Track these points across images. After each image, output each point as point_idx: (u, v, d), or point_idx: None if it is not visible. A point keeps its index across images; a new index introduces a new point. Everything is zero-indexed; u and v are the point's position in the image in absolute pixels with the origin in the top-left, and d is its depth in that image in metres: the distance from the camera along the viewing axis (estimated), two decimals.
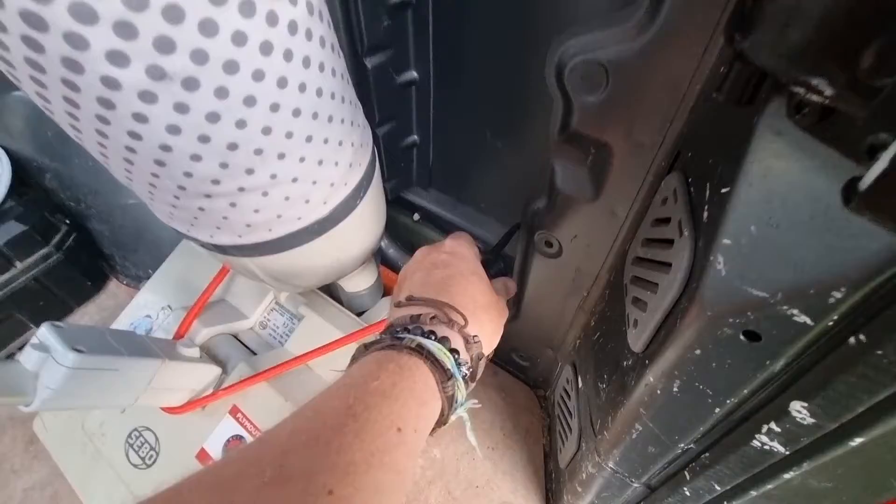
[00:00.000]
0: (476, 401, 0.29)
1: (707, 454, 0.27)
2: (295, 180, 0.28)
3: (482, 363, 0.30)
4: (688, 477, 0.29)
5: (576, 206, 0.38)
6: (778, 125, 0.17)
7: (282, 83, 0.24)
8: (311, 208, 0.30)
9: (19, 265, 0.62)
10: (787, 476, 0.24)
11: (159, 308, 0.55)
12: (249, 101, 0.23)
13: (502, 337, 0.36)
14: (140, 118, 0.22)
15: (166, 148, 0.23)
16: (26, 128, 0.66)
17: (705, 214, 0.21)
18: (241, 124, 0.24)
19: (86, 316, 0.72)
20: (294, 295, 0.52)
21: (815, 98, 0.14)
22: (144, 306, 0.56)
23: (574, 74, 0.31)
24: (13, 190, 0.63)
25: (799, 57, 0.14)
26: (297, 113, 0.26)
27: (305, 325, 0.49)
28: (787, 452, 0.23)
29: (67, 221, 0.68)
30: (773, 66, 0.15)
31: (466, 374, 0.27)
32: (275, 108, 0.24)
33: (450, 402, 0.26)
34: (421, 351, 0.26)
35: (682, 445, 0.28)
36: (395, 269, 0.65)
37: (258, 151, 0.25)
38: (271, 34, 0.22)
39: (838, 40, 0.13)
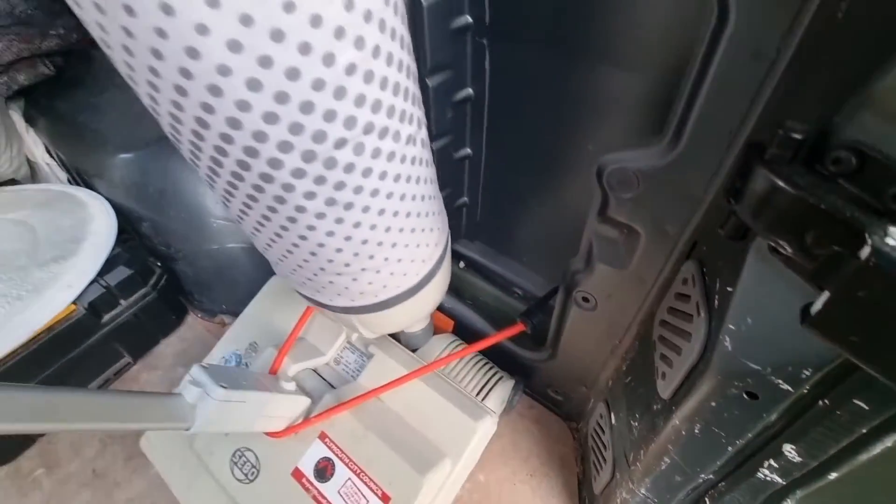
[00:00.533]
0: None
1: (723, 483, 0.35)
2: (400, 261, 0.37)
3: None
4: (708, 502, 0.36)
5: (609, 272, 0.46)
6: (762, 255, 0.25)
7: (404, 194, 0.33)
8: (408, 279, 0.39)
9: (123, 303, 0.72)
10: (786, 502, 0.31)
11: (247, 344, 0.65)
12: (382, 212, 0.33)
13: (538, 373, 0.43)
14: (310, 227, 0.31)
15: (321, 245, 0.33)
16: (130, 183, 0.78)
17: (716, 302, 0.29)
18: (374, 227, 0.33)
19: (169, 346, 0.82)
20: (363, 336, 0.61)
21: (780, 250, 0.22)
22: (234, 342, 0.65)
23: (612, 177, 0.39)
24: (119, 238, 0.74)
25: (768, 226, 0.22)
26: (410, 214, 0.35)
27: (375, 362, 0.57)
28: (784, 483, 0.30)
29: (159, 264, 0.79)
30: (752, 225, 0.23)
31: None
32: (397, 213, 0.34)
33: None
34: None
35: (703, 476, 0.35)
36: (442, 310, 0.73)
37: (380, 244, 0.35)
38: (399, 148, 0.31)
39: (791, 225, 0.21)
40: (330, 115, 0.25)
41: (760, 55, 0.28)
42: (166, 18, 0.20)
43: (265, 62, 0.22)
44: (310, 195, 0.28)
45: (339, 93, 0.24)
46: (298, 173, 0.27)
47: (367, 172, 0.29)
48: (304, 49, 0.22)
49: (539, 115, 0.50)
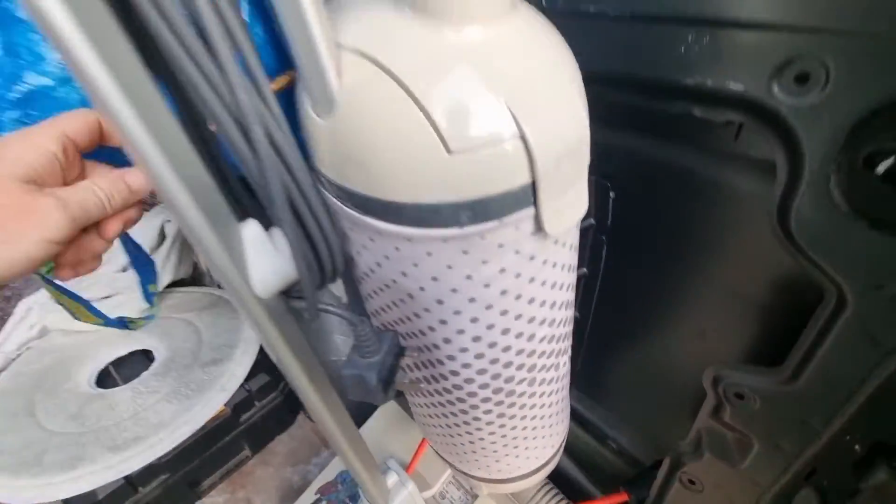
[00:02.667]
0: None
1: None
2: (536, 448, 0.44)
3: None
4: None
5: (719, 464, 0.49)
6: None
7: (553, 402, 0.40)
8: (538, 461, 0.46)
9: (257, 405, 0.84)
10: None
11: None
12: (535, 418, 0.40)
13: None
14: (477, 428, 0.39)
15: (482, 439, 0.40)
16: None
17: None
18: (524, 428, 0.40)
19: (281, 443, 0.92)
20: None
21: None
22: None
23: (729, 390, 0.44)
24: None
25: None
26: (553, 415, 0.42)
27: (480, 502, 0.62)
28: None
29: None
30: None
31: None
32: (544, 417, 0.41)
33: None
34: None
35: None
36: None
37: (525, 438, 0.42)
38: (559, 361, 0.38)
39: None
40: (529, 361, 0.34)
41: (871, 337, 0.34)
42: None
43: None
44: (487, 411, 0.37)
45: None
46: (485, 401, 0.35)
47: (533, 395, 0.37)
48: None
49: (650, 299, 0.57)
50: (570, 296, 0.36)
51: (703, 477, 0.52)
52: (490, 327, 0.30)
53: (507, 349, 0.32)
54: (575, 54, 0.29)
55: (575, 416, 0.78)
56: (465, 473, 0.48)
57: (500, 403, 0.36)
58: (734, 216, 0.40)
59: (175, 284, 1.05)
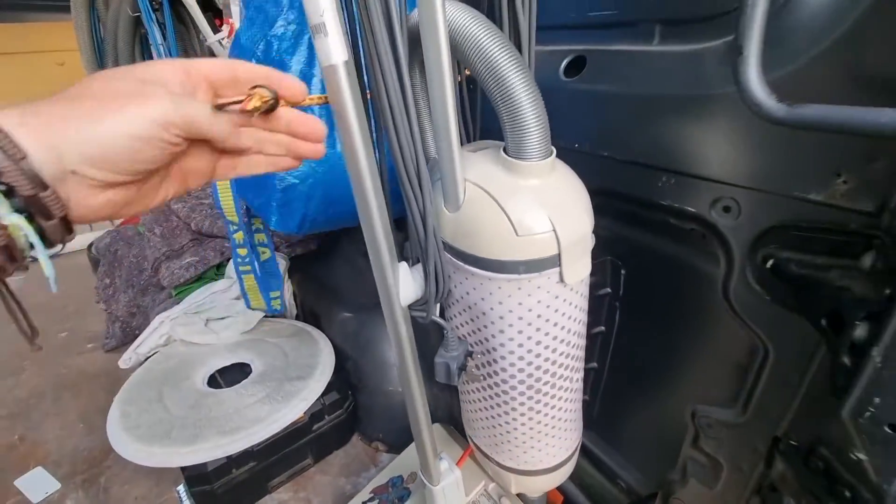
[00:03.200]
0: (48, 253, 0.24)
1: None
2: (555, 447, 0.60)
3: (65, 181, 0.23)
4: None
5: (700, 487, 0.63)
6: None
7: (572, 398, 0.58)
8: (557, 458, 0.62)
9: (327, 418, 1.03)
10: None
11: (408, 473, 0.88)
12: (557, 411, 0.57)
13: None
14: (515, 419, 0.57)
15: (515, 429, 0.58)
16: (348, 333, 1.15)
17: None
18: (549, 423, 0.58)
19: (337, 458, 1.08)
20: (497, 488, 0.80)
21: None
22: (400, 469, 0.89)
23: (702, 421, 0.60)
24: (334, 368, 1.08)
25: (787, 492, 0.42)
26: (571, 411, 0.59)
27: None
28: None
29: (350, 392, 1.10)
30: (779, 487, 0.43)
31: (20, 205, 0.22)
32: (565, 409, 0.58)
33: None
34: None
35: None
36: None
37: (547, 435, 0.59)
38: (575, 375, 0.56)
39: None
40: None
41: (789, 380, 0.50)
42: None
43: None
44: (521, 403, 0.55)
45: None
46: (521, 395, 0.54)
47: (556, 395, 0.55)
48: None
49: (651, 353, 0.74)
50: (581, 329, 0.55)
51: (688, 500, 0.65)
52: (529, 338, 0.50)
53: (537, 356, 0.52)
54: (596, 177, 0.51)
55: (591, 457, 0.91)
56: (500, 465, 0.64)
57: (530, 398, 0.54)
58: (703, 292, 0.59)
59: (268, 317, 1.30)
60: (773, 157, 0.46)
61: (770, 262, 0.47)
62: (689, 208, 0.54)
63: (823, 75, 0.40)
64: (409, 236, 0.50)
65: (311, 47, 0.68)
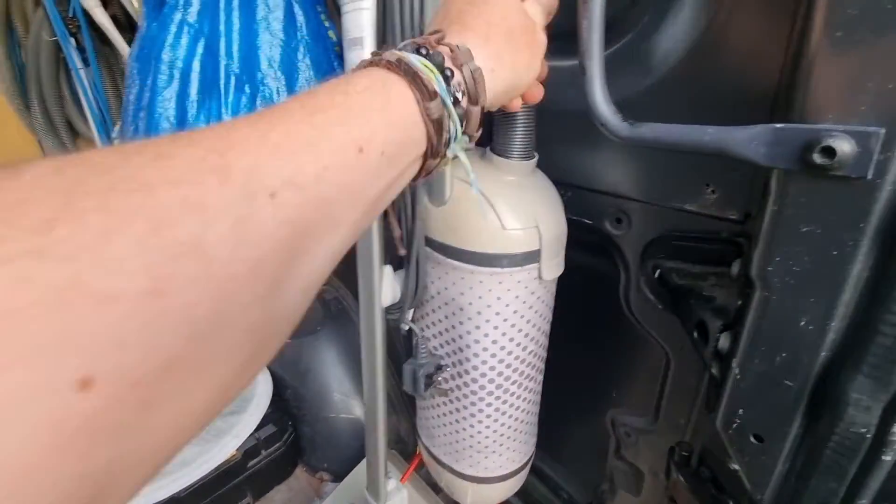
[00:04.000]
0: (469, 139, 0.28)
1: None
2: (516, 450, 0.59)
3: (499, 97, 0.29)
4: None
5: (627, 496, 0.63)
6: None
7: (529, 409, 0.57)
8: (515, 464, 0.60)
9: (263, 453, 0.98)
10: None
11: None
12: (516, 417, 0.56)
13: None
14: (479, 421, 0.55)
15: (479, 432, 0.56)
16: (288, 361, 1.11)
17: None
18: (510, 426, 0.56)
19: (279, 493, 1.03)
20: None
21: None
22: (337, 501, 0.85)
23: (620, 429, 0.60)
24: (271, 399, 1.03)
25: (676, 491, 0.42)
26: (528, 416, 0.58)
27: None
28: None
29: (290, 423, 1.06)
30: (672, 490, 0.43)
31: (459, 98, 0.25)
32: (524, 417, 0.57)
33: (438, 131, 0.24)
34: (399, 66, 0.23)
35: None
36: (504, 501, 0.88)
37: (509, 438, 0.57)
38: (532, 384, 0.55)
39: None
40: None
41: (690, 386, 0.51)
42: None
43: None
44: (489, 404, 0.53)
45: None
46: (489, 394, 0.52)
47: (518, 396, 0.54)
48: None
49: (576, 362, 0.73)
50: (547, 328, 0.56)
51: None
52: (503, 334, 0.50)
53: (509, 353, 0.51)
54: None
55: (537, 472, 0.90)
56: (457, 474, 0.62)
57: (497, 398, 0.53)
58: (615, 302, 0.59)
59: None
60: (654, 169, 0.47)
61: (657, 272, 0.47)
62: (587, 220, 0.54)
63: (675, 93, 0.41)
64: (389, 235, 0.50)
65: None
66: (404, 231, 0.48)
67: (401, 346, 0.62)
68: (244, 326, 0.17)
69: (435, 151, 0.25)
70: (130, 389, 0.13)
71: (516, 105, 0.37)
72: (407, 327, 0.54)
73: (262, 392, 1.04)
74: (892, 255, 0.24)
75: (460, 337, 0.52)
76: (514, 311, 0.49)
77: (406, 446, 1.02)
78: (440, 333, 0.54)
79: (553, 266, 0.48)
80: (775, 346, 0.30)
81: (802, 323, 0.28)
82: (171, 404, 0.15)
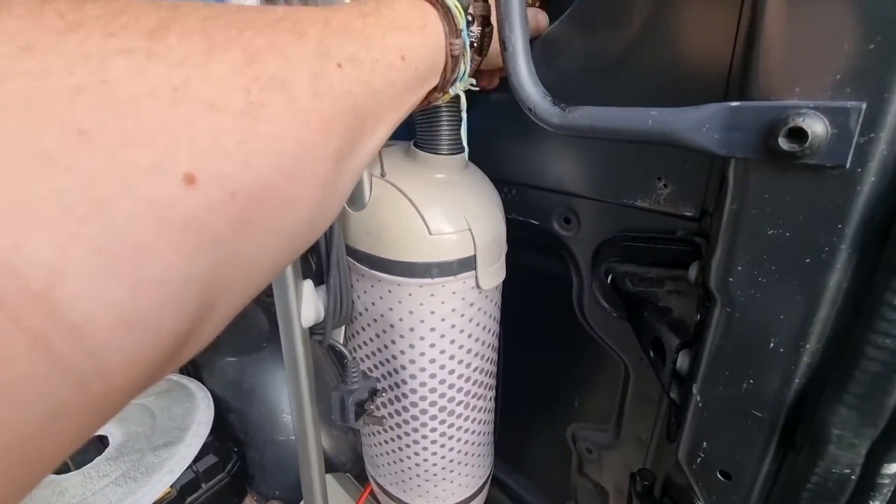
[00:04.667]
0: (474, 81, 0.31)
1: None
2: (469, 475, 0.53)
3: (490, 58, 0.32)
4: None
5: None
6: None
7: (482, 431, 0.51)
8: (469, 489, 0.55)
9: (203, 487, 0.88)
10: None
11: None
12: (467, 441, 0.50)
13: None
14: (424, 448, 0.49)
15: (426, 460, 0.49)
16: (231, 381, 1.02)
17: None
18: (459, 451, 0.50)
19: None
20: None
21: None
22: None
23: (581, 445, 0.55)
24: (214, 425, 0.94)
25: None
26: (482, 438, 0.52)
27: None
28: None
29: (236, 450, 0.97)
30: None
31: (474, 41, 0.28)
32: (475, 440, 0.51)
33: (454, 67, 0.27)
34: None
35: None
36: None
37: (460, 463, 0.51)
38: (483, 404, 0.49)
39: None
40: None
41: (652, 400, 0.46)
42: None
43: None
44: (433, 430, 0.47)
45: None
46: (433, 419, 0.46)
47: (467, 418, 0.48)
48: None
49: (536, 371, 0.69)
50: (495, 342, 0.50)
51: None
52: (442, 352, 0.44)
53: (451, 372, 0.45)
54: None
55: (499, 483, 0.85)
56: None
57: (442, 422, 0.47)
58: (571, 307, 0.54)
59: None
60: (603, 162, 0.42)
61: (610, 277, 0.42)
62: (533, 221, 0.49)
63: (624, 77, 0.36)
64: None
65: None
66: (321, 239, 0.41)
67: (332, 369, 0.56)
68: (316, 181, 0.18)
69: (443, 85, 0.28)
70: (229, 199, 0.14)
71: (494, 82, 0.40)
72: (331, 344, 0.47)
73: (201, 419, 0.95)
74: (879, 262, 0.19)
75: (394, 357, 0.45)
76: (452, 326, 0.43)
77: (364, 468, 0.95)
78: (373, 354, 0.47)
79: (491, 273, 0.43)
80: (741, 371, 0.25)
81: (772, 345, 0.23)
82: (259, 234, 0.16)
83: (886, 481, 0.22)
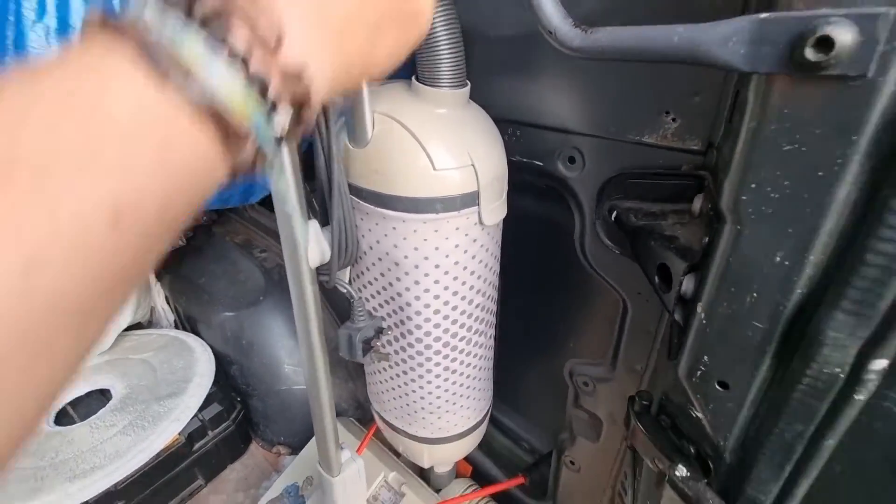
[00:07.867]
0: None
1: None
2: (470, 408, 0.56)
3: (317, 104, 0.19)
4: None
5: (586, 443, 0.63)
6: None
7: (482, 366, 0.53)
8: (471, 420, 0.58)
9: (210, 434, 0.91)
10: None
11: (304, 478, 0.81)
12: (469, 375, 0.52)
13: None
14: (429, 381, 0.51)
15: (430, 392, 0.52)
16: (229, 335, 1.03)
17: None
18: (462, 384, 0.53)
19: (234, 472, 0.98)
20: (398, 476, 0.76)
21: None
22: (293, 476, 0.81)
23: (578, 379, 0.58)
24: (214, 377, 0.96)
25: (637, 444, 0.40)
26: (482, 373, 0.54)
27: (406, 501, 0.72)
28: None
29: (238, 400, 0.99)
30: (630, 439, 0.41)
31: (278, 135, 0.17)
32: (478, 374, 0.53)
33: (248, 170, 0.17)
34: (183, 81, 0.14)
35: None
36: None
37: (462, 396, 0.54)
38: (483, 340, 0.51)
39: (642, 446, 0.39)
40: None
41: (648, 332, 0.49)
42: None
43: None
44: (437, 364, 0.49)
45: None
46: (437, 353, 0.48)
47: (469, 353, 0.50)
48: None
49: (534, 312, 0.71)
50: (495, 280, 0.52)
51: (579, 458, 0.65)
52: (446, 288, 0.45)
53: (454, 308, 0.47)
54: None
55: (497, 423, 0.90)
56: (412, 436, 0.59)
57: (445, 357, 0.49)
58: (571, 249, 0.55)
59: (132, 328, 1.12)
60: (609, 98, 0.42)
61: (614, 214, 0.43)
62: (537, 162, 0.49)
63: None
64: (314, 186, 0.43)
65: None
66: (324, 178, 0.41)
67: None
68: None
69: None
70: None
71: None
72: (343, 289, 0.48)
73: (203, 371, 0.97)
74: (886, 169, 0.20)
75: (399, 294, 0.47)
76: (456, 262, 0.44)
77: (365, 413, 0.99)
78: (378, 292, 0.49)
79: (494, 209, 0.43)
80: (746, 286, 0.27)
81: (778, 258, 0.24)
82: None
83: (873, 377, 0.24)
